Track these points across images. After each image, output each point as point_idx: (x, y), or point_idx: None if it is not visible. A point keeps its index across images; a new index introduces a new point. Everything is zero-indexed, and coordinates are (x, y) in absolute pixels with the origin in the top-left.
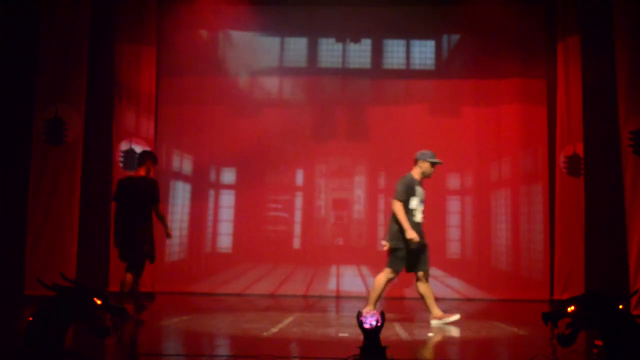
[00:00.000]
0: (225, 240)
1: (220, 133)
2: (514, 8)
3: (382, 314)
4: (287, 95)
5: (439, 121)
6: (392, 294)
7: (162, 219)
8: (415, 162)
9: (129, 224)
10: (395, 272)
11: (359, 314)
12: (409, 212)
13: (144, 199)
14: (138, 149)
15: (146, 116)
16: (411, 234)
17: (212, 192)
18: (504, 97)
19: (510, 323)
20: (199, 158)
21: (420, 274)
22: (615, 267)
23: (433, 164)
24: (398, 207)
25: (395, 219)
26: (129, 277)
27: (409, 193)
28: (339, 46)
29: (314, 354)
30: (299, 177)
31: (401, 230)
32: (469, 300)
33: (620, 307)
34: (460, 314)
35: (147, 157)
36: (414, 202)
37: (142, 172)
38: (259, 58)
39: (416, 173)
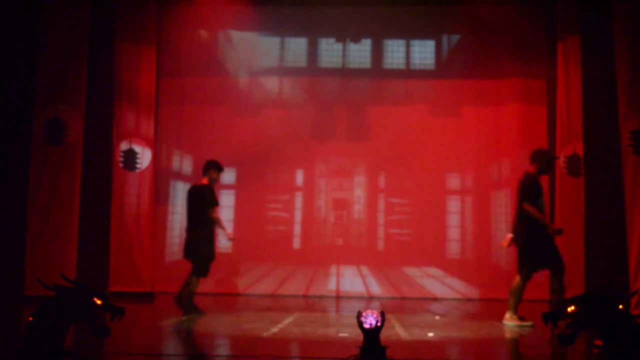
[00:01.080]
0: (225, 240)
1: (220, 133)
2: (514, 8)
3: (382, 314)
4: (287, 95)
5: (439, 121)
6: (392, 294)
7: (216, 222)
8: (533, 160)
9: (188, 229)
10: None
11: (359, 314)
12: (540, 211)
13: (199, 206)
14: (138, 148)
15: (146, 116)
16: (550, 230)
17: None
18: (504, 97)
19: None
20: (199, 158)
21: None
22: (615, 267)
23: (550, 162)
24: (530, 208)
25: (525, 221)
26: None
27: (538, 192)
28: (339, 46)
29: (314, 354)
30: (299, 177)
31: (529, 231)
32: (469, 300)
33: (620, 307)
34: (460, 314)
35: (210, 167)
36: (541, 200)
37: (204, 180)
38: (259, 58)
39: (535, 171)
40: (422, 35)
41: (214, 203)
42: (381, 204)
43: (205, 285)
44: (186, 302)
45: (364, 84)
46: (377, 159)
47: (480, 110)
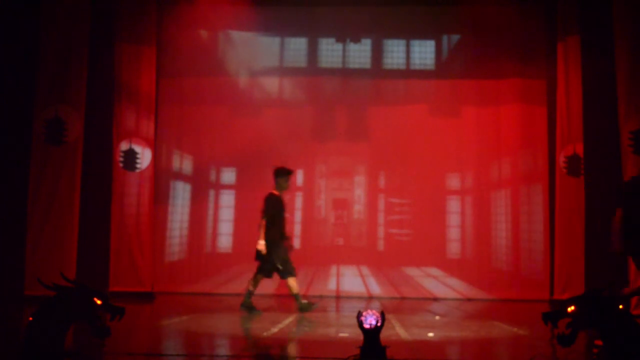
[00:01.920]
0: (225, 240)
1: (220, 133)
2: (514, 8)
3: (382, 314)
4: (287, 95)
5: (439, 121)
6: (392, 294)
7: (261, 229)
8: None
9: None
10: None
11: (359, 314)
12: None
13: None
14: (138, 148)
15: (146, 116)
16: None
17: (212, 192)
18: (504, 98)
19: (510, 323)
20: (199, 158)
21: None
22: (615, 267)
23: None
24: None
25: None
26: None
27: None
28: (339, 46)
29: (314, 354)
30: (299, 177)
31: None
32: (469, 300)
33: (620, 307)
34: (460, 314)
35: (276, 175)
36: None
37: (274, 190)
38: (259, 58)
39: None
40: (422, 35)
41: (264, 211)
42: (381, 204)
43: (206, 285)
44: (244, 299)
45: (364, 84)
46: (377, 159)
47: (480, 110)
